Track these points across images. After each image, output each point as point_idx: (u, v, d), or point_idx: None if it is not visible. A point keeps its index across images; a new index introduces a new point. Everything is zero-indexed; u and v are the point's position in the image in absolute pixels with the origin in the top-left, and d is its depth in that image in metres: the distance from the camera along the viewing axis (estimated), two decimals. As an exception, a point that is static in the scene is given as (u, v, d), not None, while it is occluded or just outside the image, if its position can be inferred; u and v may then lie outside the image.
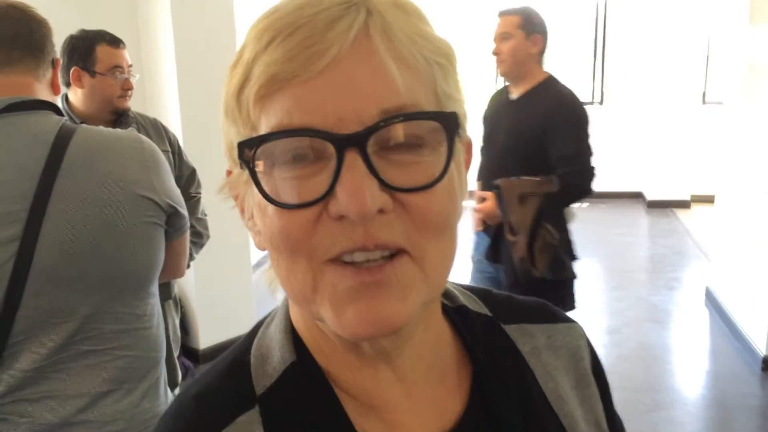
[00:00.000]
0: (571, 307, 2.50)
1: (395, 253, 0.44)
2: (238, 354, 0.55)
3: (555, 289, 2.45)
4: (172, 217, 1.30)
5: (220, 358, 0.56)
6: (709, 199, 6.33)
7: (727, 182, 4.19)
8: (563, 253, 2.46)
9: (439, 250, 0.46)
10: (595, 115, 8.32)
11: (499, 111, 2.62)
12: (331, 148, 0.43)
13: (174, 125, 3.18)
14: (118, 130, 1.31)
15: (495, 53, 2.52)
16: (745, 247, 3.90)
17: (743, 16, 3.88)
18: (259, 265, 4.94)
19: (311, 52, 0.42)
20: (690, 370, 3.73)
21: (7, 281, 1.10)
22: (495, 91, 2.76)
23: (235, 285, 3.78)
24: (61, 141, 1.16)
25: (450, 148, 0.45)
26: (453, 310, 0.58)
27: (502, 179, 2.41)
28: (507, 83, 2.61)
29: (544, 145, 2.38)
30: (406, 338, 0.50)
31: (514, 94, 2.55)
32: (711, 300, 4.39)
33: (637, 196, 7.48)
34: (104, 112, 2.13)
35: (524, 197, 2.35)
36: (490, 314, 0.61)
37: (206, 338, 3.63)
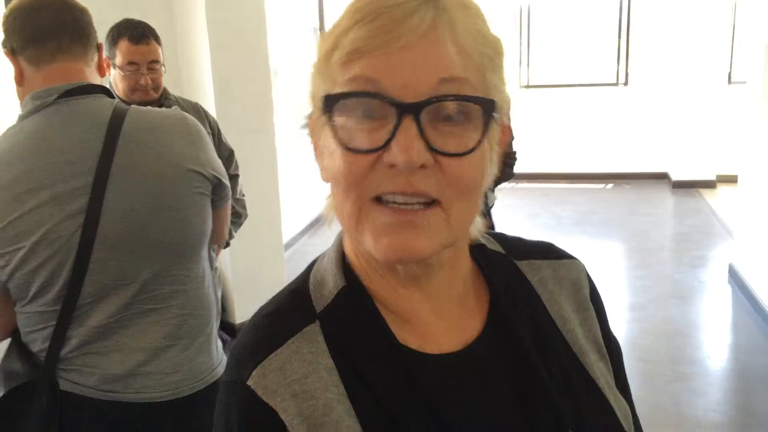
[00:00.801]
0: None
1: (429, 203, 0.57)
2: (299, 283, 0.67)
3: None
4: (216, 187, 1.43)
5: (284, 288, 0.69)
6: (734, 179, 6.33)
7: (750, 161, 4.22)
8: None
9: (463, 208, 0.59)
10: (619, 97, 8.31)
11: None
12: (393, 111, 0.55)
13: (209, 109, 3.33)
14: (164, 109, 1.43)
15: None
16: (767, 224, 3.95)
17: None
18: (290, 245, 5.10)
19: (389, 37, 0.55)
20: (712, 343, 3.80)
21: (75, 249, 1.23)
22: None
23: (268, 263, 3.94)
24: (116, 121, 1.28)
25: (485, 128, 0.58)
26: (474, 247, 0.70)
27: None
28: None
29: None
30: (435, 268, 0.63)
31: None
32: (734, 277, 4.44)
33: (663, 177, 7.48)
34: (127, 101, 2.22)
35: None
36: (503, 252, 0.74)
37: (242, 313, 3.79)
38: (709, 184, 6.98)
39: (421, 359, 0.62)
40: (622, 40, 7.66)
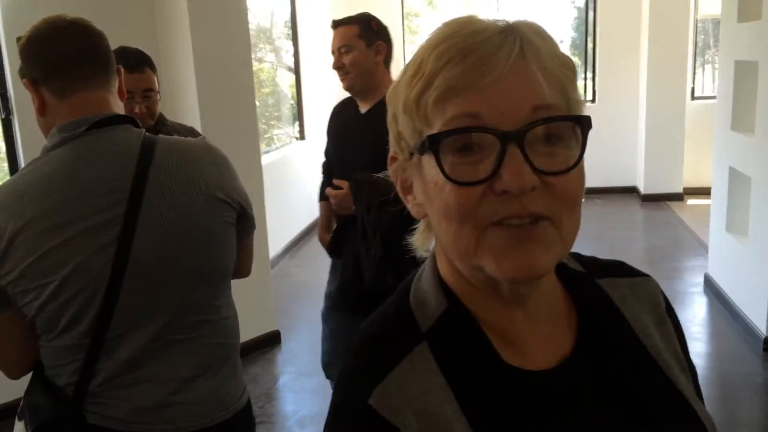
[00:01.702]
0: None
1: (538, 220, 0.59)
2: (399, 305, 0.69)
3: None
4: (241, 217, 1.42)
5: (382, 310, 0.70)
6: (701, 191, 6.53)
7: (721, 173, 4.37)
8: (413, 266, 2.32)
9: (572, 220, 0.62)
10: (588, 113, 8.50)
11: (348, 125, 2.46)
12: (496, 141, 0.58)
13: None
14: (190, 138, 1.43)
15: (336, 67, 2.37)
16: (741, 233, 4.08)
17: (732, 15, 4.07)
18: (275, 263, 5.07)
19: (481, 72, 0.58)
20: (693, 353, 3.83)
21: (107, 281, 1.22)
22: (338, 103, 2.60)
23: (254, 283, 3.90)
24: (146, 152, 1.27)
25: (584, 143, 0.61)
26: (557, 266, 0.72)
27: (365, 175, 2.25)
28: (354, 96, 2.46)
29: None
30: (536, 286, 0.66)
31: (363, 108, 2.40)
32: (710, 286, 4.57)
33: (632, 190, 7.67)
34: None
35: (384, 204, 2.20)
36: (583, 270, 0.76)
37: (229, 337, 3.75)
38: (676, 197, 7.17)
39: (525, 376, 0.64)
40: (588, 57, 7.88)
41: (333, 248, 2.54)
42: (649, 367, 0.71)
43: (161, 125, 2.31)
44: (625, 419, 0.66)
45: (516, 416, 0.62)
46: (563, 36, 8.58)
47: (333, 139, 2.58)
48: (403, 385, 0.61)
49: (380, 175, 2.56)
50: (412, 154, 0.64)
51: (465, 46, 0.59)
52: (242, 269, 1.56)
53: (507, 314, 0.66)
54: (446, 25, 0.63)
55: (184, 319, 1.31)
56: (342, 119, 2.53)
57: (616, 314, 0.73)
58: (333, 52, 2.38)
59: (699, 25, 7.46)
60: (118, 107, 1.34)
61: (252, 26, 6.50)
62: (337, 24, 2.39)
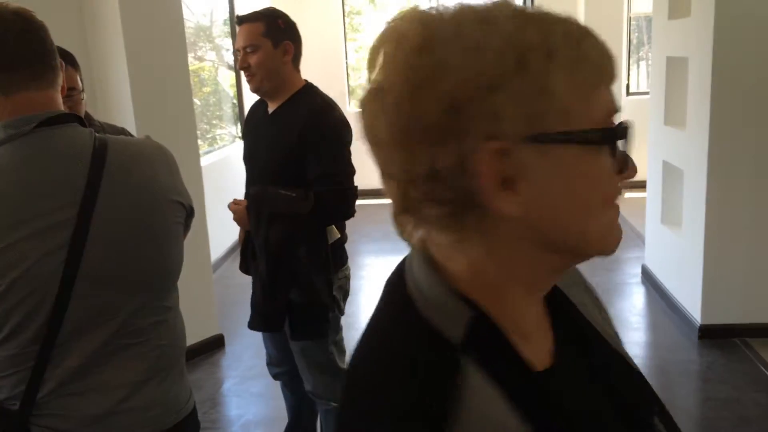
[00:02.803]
0: (319, 334, 2.30)
1: None
2: (410, 320, 0.61)
3: (303, 313, 2.28)
4: (188, 217, 1.40)
5: (384, 333, 0.63)
6: (638, 185, 6.70)
7: (655, 167, 4.50)
8: (316, 276, 2.23)
9: None
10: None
11: (258, 126, 2.39)
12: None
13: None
14: (139, 138, 1.39)
15: (242, 68, 2.24)
16: (675, 225, 4.21)
17: (663, 12, 4.19)
18: (216, 266, 4.97)
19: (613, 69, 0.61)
20: (632, 343, 4.00)
21: (57, 285, 1.17)
22: (253, 103, 2.51)
23: (196, 286, 3.82)
24: (99, 152, 1.23)
25: None
26: None
27: (257, 189, 2.26)
28: (261, 97, 2.38)
29: (303, 161, 2.17)
30: None
31: (272, 107, 2.32)
32: (647, 277, 4.70)
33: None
34: None
35: (274, 217, 2.18)
36: None
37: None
38: (614, 191, 7.35)
39: (547, 376, 0.63)
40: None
41: (241, 264, 2.48)
42: (609, 350, 0.72)
43: (89, 125, 2.21)
44: (612, 404, 0.67)
45: (553, 417, 0.60)
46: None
47: (245, 142, 2.51)
48: (477, 407, 0.55)
49: (285, 190, 2.40)
50: (538, 141, 0.57)
51: (601, 43, 0.61)
52: None
53: (525, 310, 0.65)
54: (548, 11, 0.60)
55: (135, 322, 1.27)
56: (254, 120, 2.46)
57: (569, 302, 0.73)
58: (237, 51, 2.27)
59: (633, 22, 7.67)
60: (61, 104, 1.28)
61: (191, 24, 6.36)
62: (241, 20, 2.26)
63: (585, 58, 0.58)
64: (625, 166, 0.62)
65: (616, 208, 0.64)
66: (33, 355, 1.18)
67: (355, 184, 2.27)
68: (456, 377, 0.56)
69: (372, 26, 9.20)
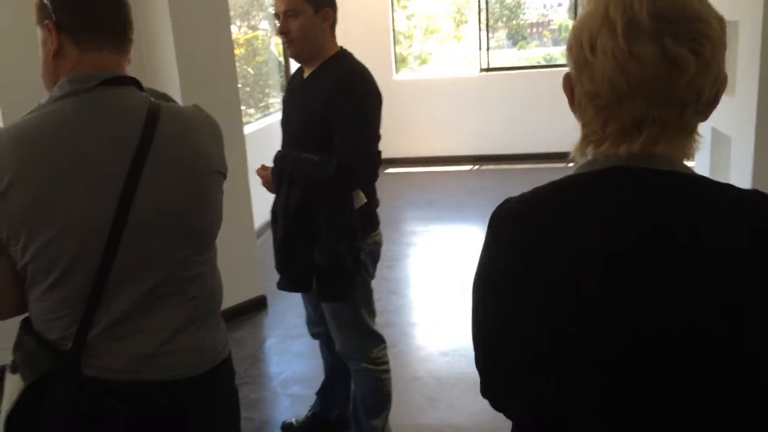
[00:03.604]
0: (344, 297, 2.35)
1: None
2: None
3: (327, 276, 2.31)
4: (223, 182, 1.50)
5: None
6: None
7: (704, 133, 4.38)
8: (337, 241, 2.26)
9: None
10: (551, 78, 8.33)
11: (294, 92, 2.45)
12: None
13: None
14: (190, 107, 1.47)
15: (282, 32, 2.27)
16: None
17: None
18: (261, 231, 5.12)
19: None
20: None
21: (108, 233, 1.25)
22: (294, 71, 2.53)
23: (240, 251, 3.96)
24: (152, 115, 1.32)
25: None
26: None
27: (281, 153, 2.33)
28: (300, 63, 2.41)
29: (330, 125, 2.20)
30: None
31: (306, 73, 2.37)
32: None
33: (622, 154, 7.68)
34: None
35: (295, 181, 2.24)
36: None
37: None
38: (666, 160, 7.17)
39: None
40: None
41: (272, 224, 2.50)
42: None
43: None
44: None
45: None
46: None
47: (283, 107, 2.56)
48: None
49: (308, 154, 2.45)
50: None
51: None
52: None
53: None
54: None
55: (176, 275, 1.36)
56: (291, 86, 2.51)
57: None
58: (277, 15, 2.30)
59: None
60: (128, 72, 1.39)
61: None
62: None
63: None
64: None
65: None
66: (84, 298, 1.27)
67: (380, 149, 2.31)
68: None
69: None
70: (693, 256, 0.83)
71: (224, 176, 1.47)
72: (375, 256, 2.49)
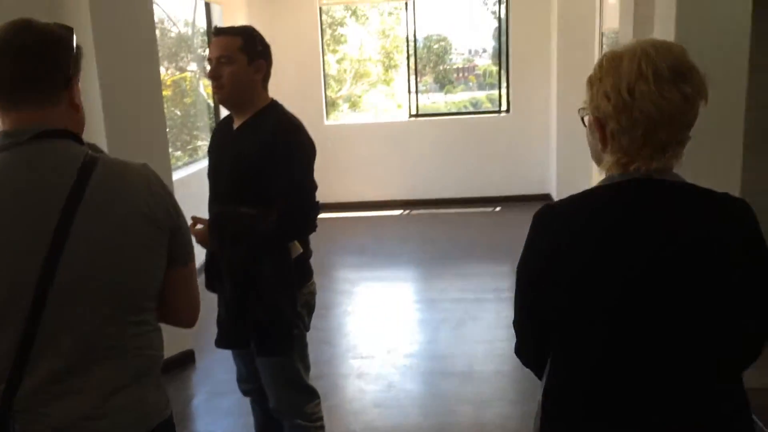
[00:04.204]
0: (284, 351, 2.31)
1: None
2: None
3: (267, 330, 2.28)
4: (172, 237, 1.39)
5: None
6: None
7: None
8: (277, 294, 2.25)
9: None
10: (503, 124, 8.71)
11: (222, 143, 2.41)
12: None
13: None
14: (128, 161, 1.40)
15: (213, 77, 2.25)
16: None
17: (628, 29, 4.28)
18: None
19: None
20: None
21: (33, 292, 1.20)
22: (220, 121, 2.53)
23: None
24: (86, 169, 1.28)
25: None
26: None
27: (218, 209, 2.29)
28: (228, 110, 2.38)
29: (267, 176, 2.19)
30: None
31: (236, 124, 2.34)
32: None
33: (546, 198, 7.93)
34: None
35: (237, 237, 2.22)
36: None
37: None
38: (588, 204, 7.45)
39: None
40: (503, 69, 8.12)
41: (206, 282, 2.42)
42: None
43: None
44: None
45: None
46: (486, 45, 8.83)
47: (210, 158, 2.50)
48: None
49: (246, 209, 2.48)
50: None
51: None
52: (181, 309, 1.50)
53: None
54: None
55: (109, 333, 1.30)
56: (218, 136, 2.48)
57: None
58: (210, 60, 2.28)
59: (604, 37, 7.79)
60: (68, 118, 1.33)
61: (173, 34, 6.36)
62: (220, 32, 2.28)
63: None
64: None
65: None
66: (11, 358, 1.22)
67: (317, 200, 2.30)
68: None
69: (355, 37, 9.27)
70: (700, 246, 1.21)
71: (167, 231, 1.38)
72: (310, 307, 2.45)
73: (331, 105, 8.66)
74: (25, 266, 1.21)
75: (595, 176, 7.20)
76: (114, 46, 3.52)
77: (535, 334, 1.37)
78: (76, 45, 1.35)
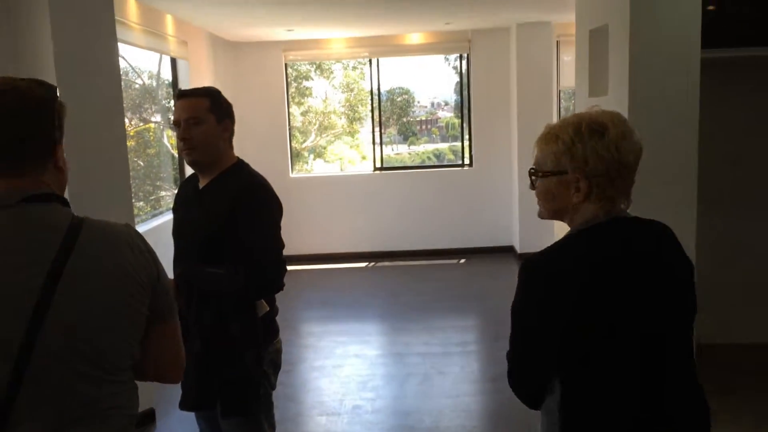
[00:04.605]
0: (250, 411, 2.27)
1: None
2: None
3: (234, 390, 2.25)
4: (153, 300, 1.39)
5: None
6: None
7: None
8: (245, 352, 2.23)
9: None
10: (466, 177, 8.84)
11: (188, 202, 2.41)
12: None
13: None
14: (113, 223, 1.41)
15: (183, 139, 2.25)
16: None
17: (584, 90, 4.45)
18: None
19: None
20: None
21: (16, 356, 1.19)
22: (184, 179, 2.51)
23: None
24: (72, 232, 1.29)
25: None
26: None
27: (184, 268, 2.25)
28: (196, 171, 2.39)
29: (233, 236, 2.19)
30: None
31: (202, 183, 2.35)
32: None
33: (510, 250, 8.03)
34: None
35: (204, 296, 2.21)
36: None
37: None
38: (550, 255, 7.56)
39: None
40: (465, 123, 8.31)
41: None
42: None
43: None
44: None
45: None
46: (448, 98, 9.05)
47: (174, 216, 2.50)
48: None
49: (213, 268, 2.46)
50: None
51: None
52: (167, 365, 1.48)
53: None
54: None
55: (92, 394, 1.30)
56: (184, 195, 2.48)
57: None
58: (177, 123, 2.28)
59: (561, 94, 8.08)
60: (53, 180, 1.34)
61: (137, 86, 6.37)
62: (185, 94, 2.31)
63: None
64: None
65: None
66: None
67: (284, 258, 2.31)
68: None
69: (320, 90, 9.43)
70: (661, 268, 1.48)
71: (150, 290, 1.38)
72: (277, 366, 2.42)
73: (296, 156, 8.72)
74: (9, 326, 1.21)
75: (556, 228, 7.36)
76: (79, 100, 3.51)
77: (538, 370, 1.51)
78: (60, 103, 1.35)
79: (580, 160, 1.43)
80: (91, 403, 1.30)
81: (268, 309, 2.31)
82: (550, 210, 1.56)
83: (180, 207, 2.47)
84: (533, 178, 1.57)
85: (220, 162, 2.32)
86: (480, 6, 6.34)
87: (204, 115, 2.25)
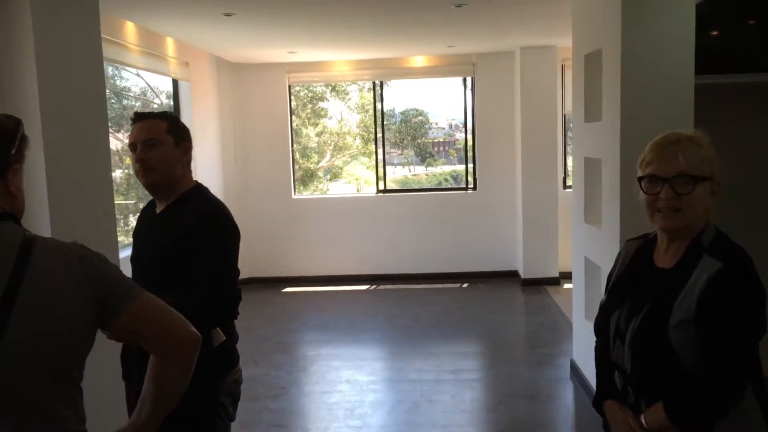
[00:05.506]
0: None
1: (678, 209, 1.76)
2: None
3: (185, 422, 2.07)
4: (108, 300, 1.41)
5: None
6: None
7: (578, 259, 4.57)
8: (198, 383, 2.06)
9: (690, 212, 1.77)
10: (470, 201, 8.76)
11: (145, 227, 2.38)
12: (661, 181, 1.75)
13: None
14: (63, 241, 1.44)
15: (140, 160, 2.20)
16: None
17: (580, 115, 4.38)
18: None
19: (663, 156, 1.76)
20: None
21: None
22: (145, 205, 2.47)
23: (104, 388, 3.64)
24: (25, 249, 1.33)
25: (694, 184, 1.72)
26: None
27: None
28: (152, 194, 2.34)
29: (187, 262, 2.13)
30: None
31: (159, 208, 2.31)
32: (575, 372, 4.68)
33: (514, 275, 7.91)
34: None
35: None
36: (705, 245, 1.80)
37: None
38: (553, 281, 7.45)
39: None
40: (469, 148, 8.25)
41: (123, 374, 2.33)
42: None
43: None
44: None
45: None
46: (463, 120, 9.02)
47: (134, 242, 2.44)
48: None
49: (163, 295, 2.32)
50: None
51: (659, 143, 1.80)
52: (168, 335, 1.54)
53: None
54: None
55: (45, 404, 1.33)
56: (142, 220, 2.43)
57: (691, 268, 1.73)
58: (133, 145, 2.23)
59: (566, 118, 8.00)
60: (8, 204, 1.39)
61: (155, 105, 6.40)
62: (143, 116, 2.27)
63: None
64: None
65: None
66: None
67: (239, 286, 2.25)
68: None
69: (335, 111, 9.47)
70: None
71: (101, 293, 1.39)
72: (235, 396, 2.34)
73: (310, 176, 8.71)
74: None
75: (561, 251, 7.26)
76: (62, 117, 3.50)
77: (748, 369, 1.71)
78: (21, 135, 1.41)
79: (717, 166, 1.67)
80: (50, 417, 1.32)
81: (224, 338, 2.23)
82: (692, 216, 1.71)
83: (138, 233, 2.43)
84: (689, 186, 1.70)
85: (178, 186, 2.27)
86: (484, 31, 6.31)
87: (162, 136, 2.21)
